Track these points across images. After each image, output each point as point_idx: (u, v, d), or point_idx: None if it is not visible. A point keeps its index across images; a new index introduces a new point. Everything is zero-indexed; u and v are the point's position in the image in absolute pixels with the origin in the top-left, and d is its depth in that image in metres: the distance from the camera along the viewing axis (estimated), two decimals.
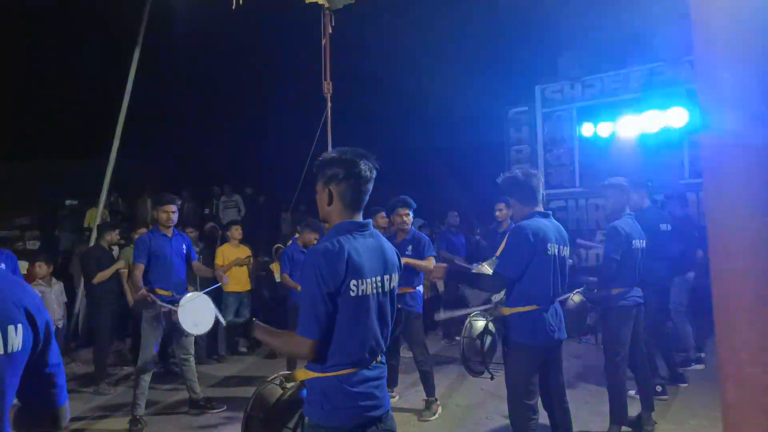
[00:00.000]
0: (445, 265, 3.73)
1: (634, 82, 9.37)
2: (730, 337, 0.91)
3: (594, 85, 9.74)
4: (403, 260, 3.79)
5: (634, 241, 4.31)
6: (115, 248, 7.17)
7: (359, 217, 2.27)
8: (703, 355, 6.17)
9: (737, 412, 0.88)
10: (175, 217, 5.16)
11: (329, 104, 6.91)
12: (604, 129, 9.42)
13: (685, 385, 5.55)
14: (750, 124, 0.89)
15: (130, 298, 6.59)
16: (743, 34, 0.90)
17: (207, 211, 12.02)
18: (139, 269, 5.00)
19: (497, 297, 3.83)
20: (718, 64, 0.92)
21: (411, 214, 5.29)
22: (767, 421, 0.85)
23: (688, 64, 8.58)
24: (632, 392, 4.65)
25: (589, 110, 9.63)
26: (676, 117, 8.66)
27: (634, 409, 4.51)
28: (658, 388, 5.13)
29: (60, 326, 6.78)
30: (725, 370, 0.92)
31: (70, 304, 7.65)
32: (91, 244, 7.61)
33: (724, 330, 0.93)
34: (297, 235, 6.53)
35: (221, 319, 5.08)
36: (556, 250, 3.39)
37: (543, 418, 3.47)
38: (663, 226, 5.49)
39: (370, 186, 2.28)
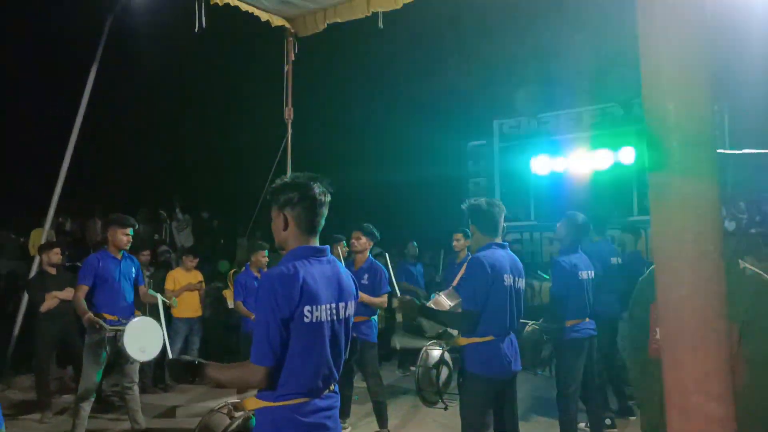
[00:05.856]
0: (410, 298, 3.73)
1: (586, 120, 9.72)
2: (675, 365, 0.93)
3: (549, 122, 10.05)
4: (360, 297, 3.76)
5: (580, 272, 4.39)
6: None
7: (315, 242, 2.25)
8: None
9: None
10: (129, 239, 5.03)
11: (290, 130, 6.91)
12: (557, 165, 9.70)
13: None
14: (694, 152, 0.93)
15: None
16: (689, 66, 0.96)
17: (156, 236, 11.65)
18: (82, 291, 4.81)
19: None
20: (664, 95, 0.96)
21: (365, 240, 5.27)
22: None
23: (638, 105, 8.99)
24: (582, 425, 4.69)
25: (544, 146, 9.91)
26: (625, 156, 9.02)
27: None
28: (608, 421, 5.19)
29: None
30: (671, 399, 0.93)
31: (7, 328, 7.27)
32: (34, 267, 7.27)
33: (669, 359, 0.95)
34: (250, 262, 6.44)
35: (169, 351, 4.90)
36: (512, 281, 3.43)
37: None
38: (614, 260, 5.64)
39: (325, 210, 2.27)
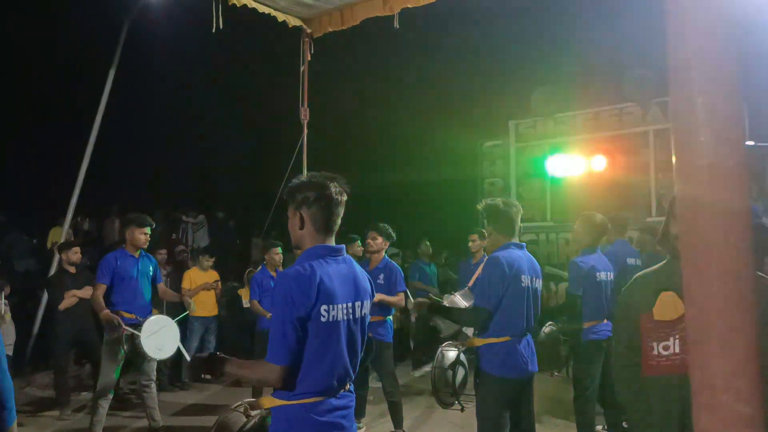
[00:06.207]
0: (425, 300, 3.74)
1: (604, 121, 9.62)
2: (703, 364, 0.92)
3: (566, 122, 9.96)
4: (376, 297, 3.77)
5: (598, 273, 4.34)
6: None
7: (332, 242, 2.25)
8: None
9: None
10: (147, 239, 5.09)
11: (305, 130, 6.92)
12: (574, 165, 9.60)
13: None
14: (723, 147, 0.92)
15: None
16: (718, 59, 0.94)
17: (174, 236, 11.75)
18: (100, 289, 4.86)
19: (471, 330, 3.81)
20: (693, 89, 0.95)
21: (381, 240, 5.26)
22: None
23: (656, 105, 8.88)
24: (600, 427, 4.64)
25: (561, 146, 9.81)
26: (643, 157, 8.91)
27: None
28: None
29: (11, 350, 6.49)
30: (698, 398, 0.92)
31: (27, 326, 7.38)
32: (53, 266, 7.37)
33: (697, 357, 0.93)
34: (266, 262, 6.47)
35: (185, 354, 4.94)
36: (530, 282, 3.40)
37: None
38: (631, 260, 5.58)
39: (341, 209, 2.26)
